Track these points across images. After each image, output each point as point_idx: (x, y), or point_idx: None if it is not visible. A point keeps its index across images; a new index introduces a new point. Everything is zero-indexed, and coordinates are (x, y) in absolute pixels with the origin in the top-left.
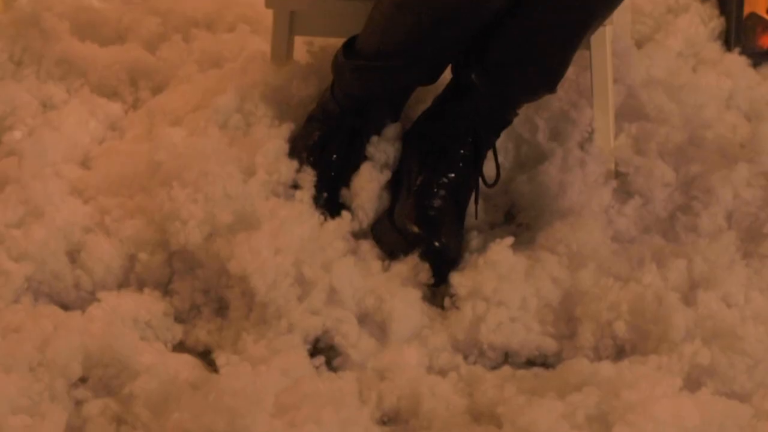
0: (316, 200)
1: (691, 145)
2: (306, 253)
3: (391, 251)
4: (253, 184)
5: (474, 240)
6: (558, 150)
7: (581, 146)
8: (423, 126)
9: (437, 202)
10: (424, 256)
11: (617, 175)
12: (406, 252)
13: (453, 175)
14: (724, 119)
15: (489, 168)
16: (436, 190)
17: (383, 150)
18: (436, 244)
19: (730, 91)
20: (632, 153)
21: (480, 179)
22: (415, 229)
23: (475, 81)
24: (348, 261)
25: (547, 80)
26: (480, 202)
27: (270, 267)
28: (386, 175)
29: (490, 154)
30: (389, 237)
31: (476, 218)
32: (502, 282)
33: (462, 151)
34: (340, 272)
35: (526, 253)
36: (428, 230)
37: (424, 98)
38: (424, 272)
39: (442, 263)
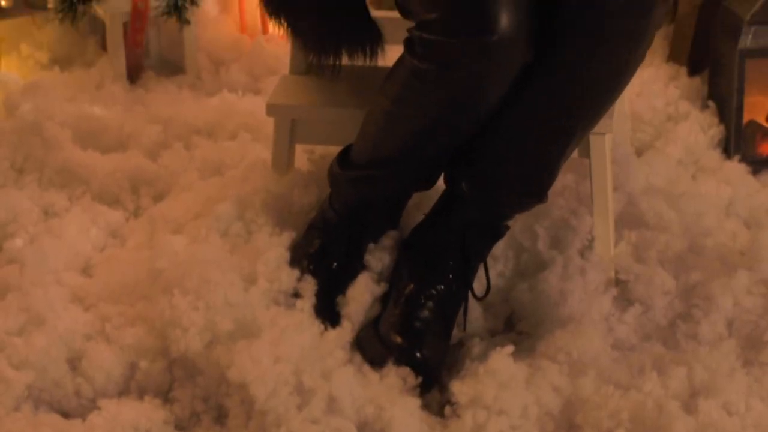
0: (317, 309)
1: (691, 252)
2: (306, 362)
3: (371, 359)
4: (254, 292)
5: (475, 348)
6: (558, 258)
7: (581, 254)
8: (415, 236)
9: (424, 314)
10: (404, 366)
11: (617, 282)
12: (385, 361)
13: (442, 287)
14: (723, 227)
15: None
16: (423, 301)
17: (379, 258)
18: (417, 355)
19: (729, 199)
20: (632, 261)
21: (470, 292)
22: (398, 340)
23: (465, 190)
24: (348, 370)
25: (535, 189)
26: (480, 309)
27: (270, 375)
28: (382, 286)
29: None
30: (371, 345)
31: (464, 330)
32: (503, 390)
33: (452, 263)
34: (340, 381)
35: (526, 361)
36: (410, 342)
37: (422, 205)
38: (411, 377)
39: (423, 375)
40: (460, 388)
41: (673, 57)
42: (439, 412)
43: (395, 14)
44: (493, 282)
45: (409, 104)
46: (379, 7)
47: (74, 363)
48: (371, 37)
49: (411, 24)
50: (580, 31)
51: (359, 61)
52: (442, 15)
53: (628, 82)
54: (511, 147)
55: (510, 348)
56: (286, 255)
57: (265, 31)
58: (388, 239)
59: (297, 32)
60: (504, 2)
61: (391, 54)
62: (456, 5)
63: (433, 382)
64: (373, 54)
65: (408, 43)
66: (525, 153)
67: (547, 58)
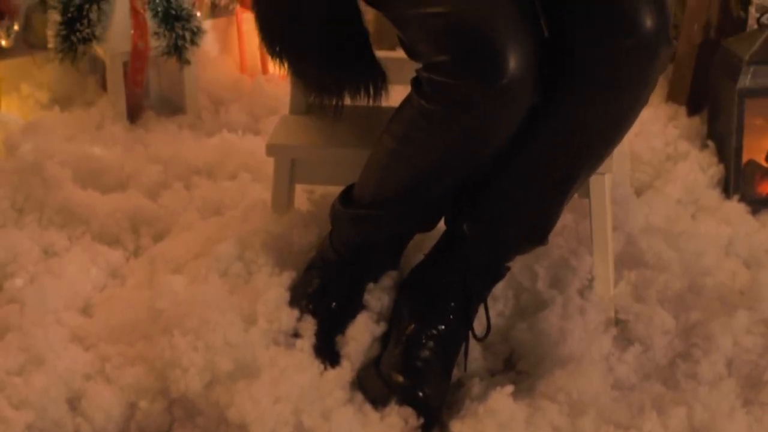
0: (317, 349)
1: (691, 292)
2: (306, 402)
3: (373, 399)
4: (253, 332)
5: (475, 387)
6: (558, 298)
7: (581, 294)
8: (416, 275)
9: (425, 353)
10: (406, 405)
11: (617, 322)
12: (388, 401)
13: (443, 327)
14: (723, 266)
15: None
16: (424, 341)
17: (378, 298)
18: (420, 394)
19: (729, 239)
20: (632, 300)
21: (470, 333)
22: (400, 379)
23: (467, 231)
24: (348, 410)
25: (537, 231)
26: (479, 349)
27: (269, 416)
28: (382, 326)
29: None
30: (373, 384)
31: (465, 370)
32: (503, 430)
33: (452, 304)
34: (340, 421)
35: (526, 401)
36: (412, 381)
37: (423, 245)
38: (412, 418)
39: (424, 414)
40: (460, 428)
41: (672, 97)
42: None
43: (397, 54)
44: (492, 322)
45: (415, 144)
46: (379, 45)
47: (74, 403)
48: (375, 78)
49: (415, 64)
50: (585, 76)
51: (362, 102)
52: (450, 57)
53: (633, 124)
54: (515, 189)
55: (510, 388)
56: (286, 295)
57: (265, 71)
58: (387, 279)
59: (299, 73)
60: (513, 45)
61: (392, 94)
62: (465, 48)
63: (434, 422)
64: (377, 95)
65: (415, 83)
66: (529, 195)
67: (553, 102)
